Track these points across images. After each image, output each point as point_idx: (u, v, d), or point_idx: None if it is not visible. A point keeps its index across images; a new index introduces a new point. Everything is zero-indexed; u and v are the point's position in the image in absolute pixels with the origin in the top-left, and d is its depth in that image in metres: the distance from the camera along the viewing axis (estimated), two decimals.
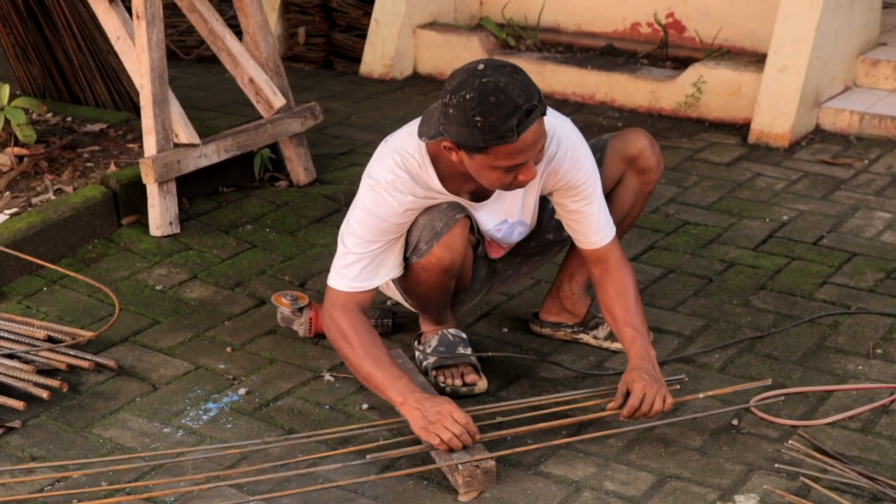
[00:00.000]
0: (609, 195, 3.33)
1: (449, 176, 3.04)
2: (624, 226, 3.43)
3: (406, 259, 3.16)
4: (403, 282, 3.24)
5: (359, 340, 3.01)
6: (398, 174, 3.01)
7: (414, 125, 3.05)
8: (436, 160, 3.02)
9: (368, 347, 3.00)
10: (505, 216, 3.18)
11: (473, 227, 3.15)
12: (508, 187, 2.95)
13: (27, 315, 3.68)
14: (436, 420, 2.89)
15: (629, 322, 3.13)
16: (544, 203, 3.28)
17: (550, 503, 2.86)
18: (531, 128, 2.80)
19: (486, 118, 2.76)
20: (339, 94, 5.83)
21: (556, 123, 3.08)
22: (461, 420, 2.89)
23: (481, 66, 2.81)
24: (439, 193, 3.06)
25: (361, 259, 3.05)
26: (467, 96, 2.77)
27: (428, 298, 3.26)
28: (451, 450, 2.88)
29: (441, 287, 3.19)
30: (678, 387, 3.23)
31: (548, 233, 3.36)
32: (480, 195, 3.12)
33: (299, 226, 4.36)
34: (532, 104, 2.79)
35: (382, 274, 3.10)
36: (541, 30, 6.06)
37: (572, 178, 3.10)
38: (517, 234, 3.26)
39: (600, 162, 3.33)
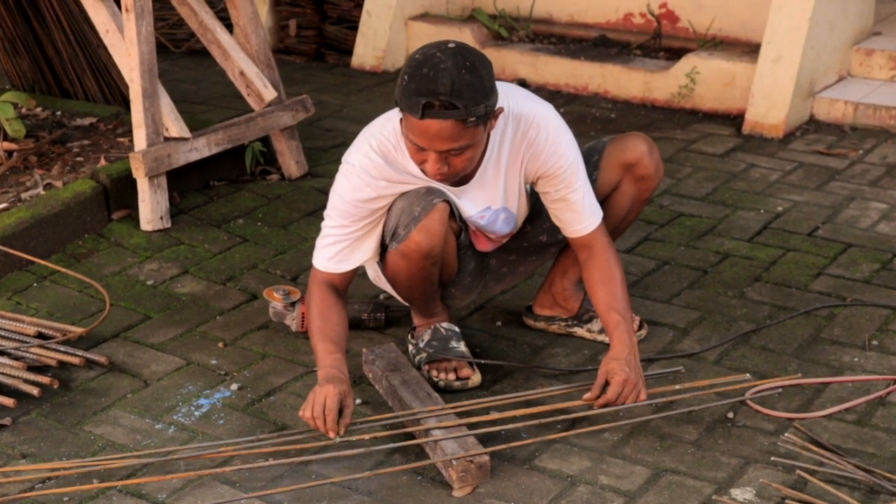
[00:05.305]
0: (605, 201, 3.31)
1: None
2: (619, 230, 3.42)
3: (386, 247, 3.15)
4: (386, 271, 3.22)
5: (316, 313, 3.06)
6: (373, 158, 3.03)
7: (392, 111, 3.05)
8: None
9: (320, 321, 3.05)
10: (488, 202, 3.16)
11: (454, 214, 3.13)
12: (423, 171, 2.97)
13: (17, 311, 3.66)
14: (310, 397, 2.90)
15: (613, 306, 3.11)
16: (539, 205, 3.25)
17: (545, 498, 2.84)
18: (437, 121, 2.82)
19: (409, 81, 2.84)
20: (331, 86, 5.80)
21: (538, 110, 3.08)
22: (327, 405, 2.85)
23: (451, 45, 2.87)
24: (415, 177, 3.05)
25: (338, 241, 3.09)
26: (416, 56, 2.87)
27: (412, 287, 3.23)
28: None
29: (423, 275, 3.17)
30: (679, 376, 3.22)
31: (541, 234, 3.35)
32: (459, 180, 3.10)
33: (291, 219, 4.33)
34: (454, 102, 2.79)
35: (356, 258, 3.12)
36: (533, 21, 6.03)
37: (553, 165, 3.08)
38: (502, 222, 3.23)
39: (596, 166, 3.31)
